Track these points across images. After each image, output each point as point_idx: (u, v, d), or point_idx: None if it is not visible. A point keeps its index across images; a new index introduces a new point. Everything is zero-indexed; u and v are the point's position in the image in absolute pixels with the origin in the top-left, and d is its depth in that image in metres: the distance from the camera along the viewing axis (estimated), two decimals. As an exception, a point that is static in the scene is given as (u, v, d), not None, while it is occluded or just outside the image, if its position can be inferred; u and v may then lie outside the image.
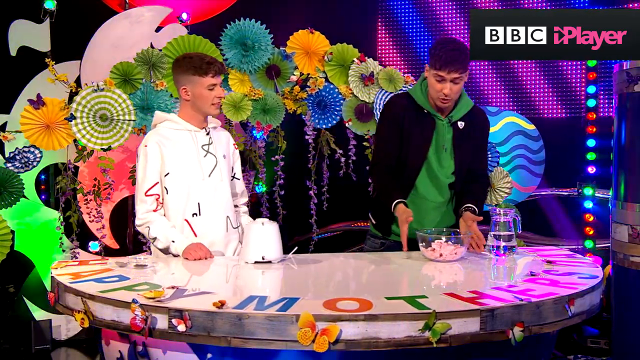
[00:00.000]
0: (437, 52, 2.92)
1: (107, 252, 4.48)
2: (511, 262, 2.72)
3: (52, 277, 2.43)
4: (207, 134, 3.05)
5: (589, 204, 5.02)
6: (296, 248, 2.77)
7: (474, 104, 3.16)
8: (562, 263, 2.66)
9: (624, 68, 3.76)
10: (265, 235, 2.65)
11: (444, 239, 2.71)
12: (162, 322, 2.00)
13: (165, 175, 2.96)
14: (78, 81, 4.30)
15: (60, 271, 2.47)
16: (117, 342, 2.29)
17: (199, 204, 2.98)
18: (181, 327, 1.97)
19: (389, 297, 2.10)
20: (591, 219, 5.03)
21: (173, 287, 2.17)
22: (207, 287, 2.26)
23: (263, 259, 2.63)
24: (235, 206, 3.21)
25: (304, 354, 2.00)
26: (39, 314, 4.61)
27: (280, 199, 4.45)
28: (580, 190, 5.05)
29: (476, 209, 2.96)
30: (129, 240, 5.01)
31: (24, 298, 4.62)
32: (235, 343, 1.95)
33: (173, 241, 2.90)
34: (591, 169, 5.03)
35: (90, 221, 4.30)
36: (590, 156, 5.03)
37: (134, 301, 2.01)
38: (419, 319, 1.94)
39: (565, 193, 5.23)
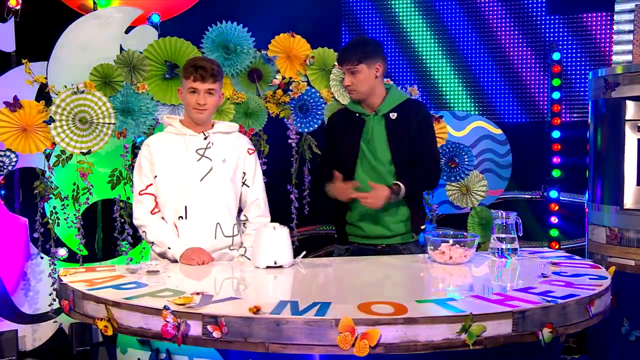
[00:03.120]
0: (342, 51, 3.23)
1: (75, 259, 4.35)
2: (516, 264, 2.77)
3: (63, 284, 2.35)
4: (205, 138, 3.00)
5: (554, 207, 5.18)
6: (304, 252, 2.76)
7: (408, 97, 3.31)
8: (565, 264, 2.73)
9: (600, 75, 3.90)
10: (277, 240, 2.63)
11: (451, 241, 2.74)
12: (195, 328, 1.96)
13: (155, 177, 2.99)
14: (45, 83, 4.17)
15: (71, 278, 2.39)
16: (135, 350, 2.22)
17: (186, 207, 2.96)
18: (216, 334, 1.94)
19: (420, 300, 2.11)
20: (556, 220, 5.19)
21: (199, 293, 2.13)
22: (229, 293, 2.23)
23: (275, 263, 2.61)
24: (245, 216, 3.15)
25: (333, 357, 1.99)
26: (2, 324, 4.43)
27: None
28: (545, 193, 5.20)
29: (401, 186, 3.03)
30: (97, 246, 4.87)
31: (-13, 309, 4.45)
32: (274, 349, 1.92)
33: (169, 247, 2.89)
34: (556, 173, 5.19)
35: (68, 227, 4.16)
36: (555, 160, 5.18)
37: (166, 308, 1.96)
38: (455, 322, 1.96)
39: (531, 196, 5.37)
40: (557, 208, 5.18)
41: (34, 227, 4.09)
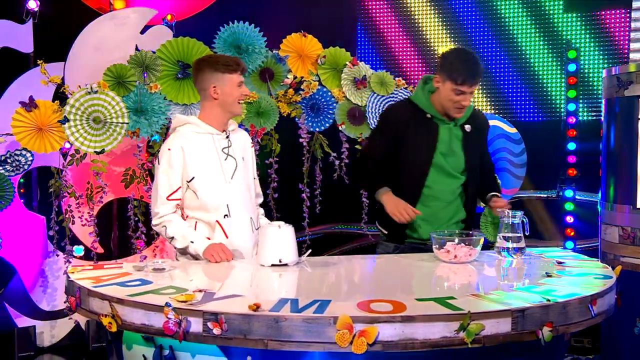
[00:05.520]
0: (458, 67, 2.97)
1: (91, 256, 4.42)
2: (521, 263, 2.77)
3: (70, 281, 2.39)
4: (227, 137, 3.04)
5: (569, 206, 5.14)
6: (310, 251, 2.78)
7: (473, 106, 3.24)
8: (572, 264, 2.72)
9: (614, 73, 3.87)
10: (282, 238, 2.65)
11: (457, 240, 2.74)
12: (196, 325, 1.99)
13: (192, 180, 2.94)
14: (62, 83, 4.23)
15: (78, 275, 2.43)
16: (140, 347, 2.26)
17: (227, 205, 2.98)
18: (216, 331, 1.96)
19: (420, 299, 2.12)
20: (571, 220, 5.15)
21: (200, 291, 2.16)
22: (233, 291, 2.25)
23: (280, 261, 2.63)
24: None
25: (332, 355, 2.01)
26: (21, 320, 4.52)
27: (274, 202, 4.45)
28: (560, 193, 5.17)
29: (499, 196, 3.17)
30: (113, 244, 4.94)
31: (6, 305, 4.52)
32: (272, 346, 1.94)
33: (192, 242, 2.89)
34: (571, 172, 5.14)
35: (82, 225, 4.23)
36: (571, 159, 5.14)
37: (167, 305, 1.99)
38: (453, 320, 1.96)
39: (546, 195, 5.34)
40: (572, 207, 5.14)
41: (50, 225, 4.16)
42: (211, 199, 2.95)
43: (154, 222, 2.98)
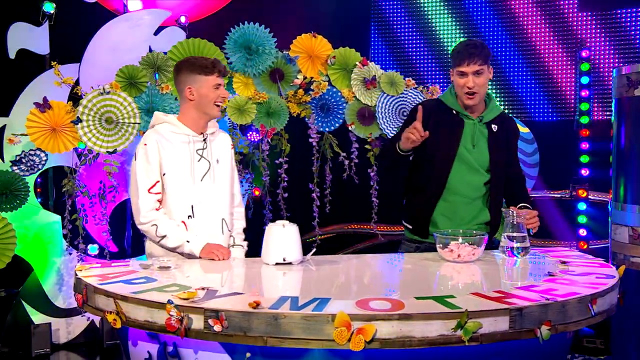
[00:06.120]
0: (456, 50, 3.09)
1: (104, 255, 4.49)
2: (526, 263, 2.77)
3: (78, 278, 2.44)
4: (204, 139, 3.06)
5: (582, 206, 5.12)
6: (314, 250, 2.81)
7: (502, 109, 3.28)
8: (576, 263, 2.72)
9: (623, 73, 3.85)
10: (286, 237, 2.68)
11: (460, 239, 2.76)
12: (197, 322, 2.02)
13: (163, 175, 2.97)
14: (77, 84, 4.30)
15: (86, 273, 2.48)
16: (145, 343, 2.30)
17: (192, 206, 3.00)
18: (217, 328, 2.00)
19: (419, 297, 2.14)
20: (584, 220, 5.13)
21: (204, 288, 2.19)
22: (235, 289, 2.28)
23: (284, 260, 2.66)
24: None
25: (331, 352, 2.03)
26: (37, 317, 4.59)
27: (284, 201, 4.48)
28: (573, 192, 5.15)
29: (531, 208, 3.13)
30: (127, 243, 5.00)
31: (23, 302, 4.60)
32: (272, 342, 1.97)
33: (188, 241, 2.92)
34: (584, 172, 5.12)
35: (95, 224, 4.29)
36: (584, 159, 5.12)
37: (170, 302, 2.03)
38: (451, 318, 1.98)
39: (559, 195, 5.32)
40: (585, 207, 5.12)
41: (64, 224, 4.23)
42: (175, 199, 2.98)
43: (140, 219, 2.94)
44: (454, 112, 3.18)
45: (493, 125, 3.20)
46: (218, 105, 3.01)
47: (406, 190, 3.35)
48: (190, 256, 2.93)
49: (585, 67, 5.11)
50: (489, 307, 2.04)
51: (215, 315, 2.00)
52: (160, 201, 2.97)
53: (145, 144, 2.95)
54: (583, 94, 5.14)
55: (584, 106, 5.11)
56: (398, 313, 1.96)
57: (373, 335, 1.93)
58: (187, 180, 3.00)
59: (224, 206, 3.10)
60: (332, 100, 4.30)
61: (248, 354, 2.08)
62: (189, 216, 3.00)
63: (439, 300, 2.09)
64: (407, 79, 4.40)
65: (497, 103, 3.26)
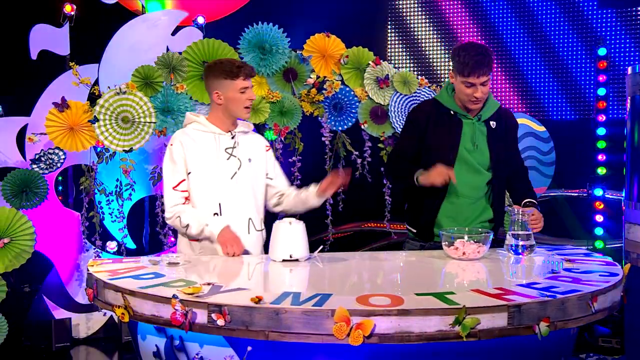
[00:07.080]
0: (463, 59, 2.99)
1: (122, 252, 4.57)
2: (530, 261, 2.79)
3: (89, 274, 2.51)
4: (233, 137, 3.11)
5: (599, 205, 5.09)
6: (322, 247, 2.85)
7: (499, 103, 3.26)
8: (581, 262, 2.73)
9: (638, 71, 3.83)
10: (293, 234, 2.73)
11: (466, 237, 2.78)
12: (201, 316, 2.07)
13: (189, 174, 3.05)
14: (96, 84, 4.38)
15: (97, 268, 2.55)
16: (153, 337, 2.36)
17: (219, 204, 3.06)
18: (220, 322, 2.05)
19: (419, 294, 2.17)
20: (601, 219, 5.10)
21: (209, 284, 2.25)
22: (240, 284, 2.33)
23: (291, 257, 2.71)
24: (280, 194, 3.28)
25: (331, 346, 2.07)
26: (58, 312, 4.69)
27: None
28: (590, 191, 5.12)
29: (535, 202, 3.13)
30: (145, 240, 5.08)
31: (44, 297, 4.70)
32: (273, 337, 2.02)
33: (207, 224, 2.98)
34: (601, 170, 5.09)
35: (112, 221, 4.38)
36: (601, 157, 5.09)
37: (175, 296, 2.09)
38: (449, 314, 2.01)
39: (575, 194, 5.29)
40: (602, 206, 5.08)
41: (83, 221, 4.32)
42: (201, 196, 3.05)
43: (167, 215, 3.07)
44: (452, 112, 3.16)
45: (491, 122, 3.18)
46: (246, 108, 3.07)
47: (408, 195, 3.33)
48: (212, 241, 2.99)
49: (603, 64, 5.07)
50: (487, 303, 2.07)
51: (218, 309, 2.05)
52: (187, 198, 3.05)
53: (171, 144, 3.07)
54: (600, 92, 5.10)
55: (601, 104, 5.07)
56: (397, 309, 2.00)
57: (372, 330, 1.97)
58: (213, 178, 3.05)
59: (251, 205, 3.14)
60: (345, 99, 4.34)
61: (249, 348, 2.13)
62: (216, 214, 3.05)
63: (437, 296, 2.12)
64: (420, 77, 4.42)
65: (493, 98, 3.22)
